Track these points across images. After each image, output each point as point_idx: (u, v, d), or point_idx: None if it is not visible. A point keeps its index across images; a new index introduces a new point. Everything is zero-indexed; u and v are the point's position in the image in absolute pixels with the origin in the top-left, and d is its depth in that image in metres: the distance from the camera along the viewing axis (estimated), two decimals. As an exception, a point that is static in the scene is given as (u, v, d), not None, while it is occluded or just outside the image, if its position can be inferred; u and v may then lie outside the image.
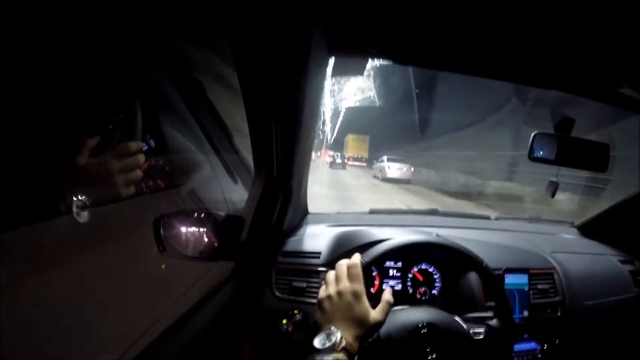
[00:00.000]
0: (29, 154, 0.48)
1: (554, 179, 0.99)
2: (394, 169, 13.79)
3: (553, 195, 0.99)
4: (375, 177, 15.17)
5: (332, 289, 0.61)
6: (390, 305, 0.62)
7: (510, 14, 0.55)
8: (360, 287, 0.60)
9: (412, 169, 14.09)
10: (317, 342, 0.54)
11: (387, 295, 0.63)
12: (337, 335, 0.54)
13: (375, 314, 0.59)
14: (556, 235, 1.28)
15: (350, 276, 0.61)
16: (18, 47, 0.45)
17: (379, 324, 0.59)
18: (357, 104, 32.18)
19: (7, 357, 0.38)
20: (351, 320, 0.57)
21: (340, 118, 44.19)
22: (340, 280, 0.61)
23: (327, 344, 0.53)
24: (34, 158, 0.49)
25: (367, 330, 0.57)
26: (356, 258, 0.65)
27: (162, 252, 0.67)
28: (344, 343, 0.53)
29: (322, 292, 0.62)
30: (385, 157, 14.60)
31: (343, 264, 0.64)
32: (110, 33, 0.62)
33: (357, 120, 36.87)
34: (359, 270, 0.62)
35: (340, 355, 0.52)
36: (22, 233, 0.44)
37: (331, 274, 0.64)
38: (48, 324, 0.46)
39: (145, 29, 0.70)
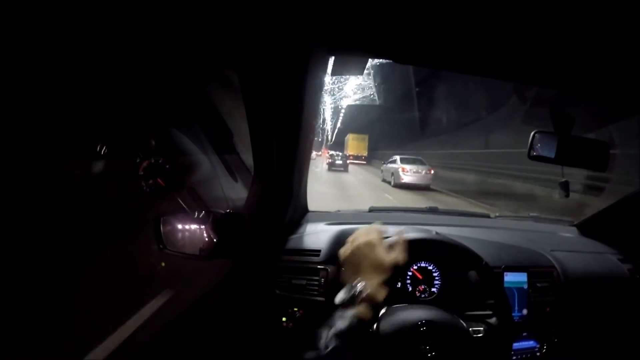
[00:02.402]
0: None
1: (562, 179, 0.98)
2: (410, 172, 10.92)
3: (567, 195, 0.98)
4: (385, 180, 12.43)
5: (349, 247, 0.64)
6: (404, 242, 0.64)
7: (510, 13, 0.55)
8: (374, 237, 0.63)
9: (432, 171, 11.33)
10: (338, 299, 0.56)
11: (399, 235, 0.65)
12: (357, 288, 0.55)
13: (391, 255, 0.61)
14: (555, 233, 1.28)
15: (365, 234, 0.64)
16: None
17: (398, 263, 0.61)
18: (357, 102, 32.16)
19: None
20: (371, 268, 0.59)
21: (341, 117, 44.18)
22: (356, 239, 0.65)
23: (350, 294, 0.54)
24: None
25: (388, 274, 0.59)
26: (376, 228, 0.66)
27: (162, 249, 0.67)
28: (364, 294, 0.54)
29: (342, 254, 0.65)
30: (397, 157, 11.67)
31: (362, 231, 0.67)
32: (111, 33, 0.62)
33: (357, 119, 36.88)
34: (376, 233, 0.64)
35: (362, 309, 0.53)
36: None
37: (350, 238, 0.67)
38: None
39: (146, 30, 0.71)
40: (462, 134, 13.93)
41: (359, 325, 0.53)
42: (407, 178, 10.86)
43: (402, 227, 0.68)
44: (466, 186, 10.84)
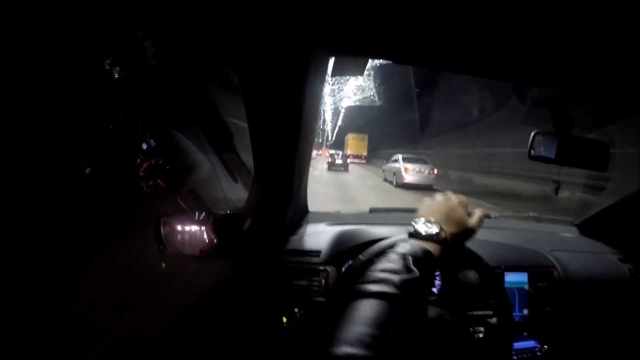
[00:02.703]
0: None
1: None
2: (413, 171, 10.64)
3: (556, 194, 0.99)
4: (386, 180, 12.13)
5: (443, 195, 0.67)
6: (483, 219, 0.66)
7: (509, 13, 0.55)
8: (465, 200, 0.66)
9: (435, 170, 11.00)
10: (420, 228, 0.58)
11: (479, 211, 0.67)
12: (437, 226, 0.58)
13: (472, 220, 0.64)
14: (556, 233, 1.28)
15: (457, 196, 0.67)
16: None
17: (473, 230, 0.63)
18: (358, 103, 32.19)
19: None
20: (452, 218, 0.62)
21: (341, 117, 44.22)
22: (450, 193, 0.68)
23: (430, 231, 0.57)
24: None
25: (463, 231, 0.62)
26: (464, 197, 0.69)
27: (162, 250, 0.67)
28: (442, 236, 0.57)
29: (430, 198, 0.68)
30: (399, 156, 11.28)
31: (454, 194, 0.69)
32: (112, 32, 0.62)
33: (357, 119, 36.92)
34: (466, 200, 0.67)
35: (434, 247, 0.56)
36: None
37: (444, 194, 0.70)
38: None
39: (146, 30, 0.71)
40: (502, 128, 10.80)
41: (432, 261, 0.54)
42: (409, 178, 10.59)
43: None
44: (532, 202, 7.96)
